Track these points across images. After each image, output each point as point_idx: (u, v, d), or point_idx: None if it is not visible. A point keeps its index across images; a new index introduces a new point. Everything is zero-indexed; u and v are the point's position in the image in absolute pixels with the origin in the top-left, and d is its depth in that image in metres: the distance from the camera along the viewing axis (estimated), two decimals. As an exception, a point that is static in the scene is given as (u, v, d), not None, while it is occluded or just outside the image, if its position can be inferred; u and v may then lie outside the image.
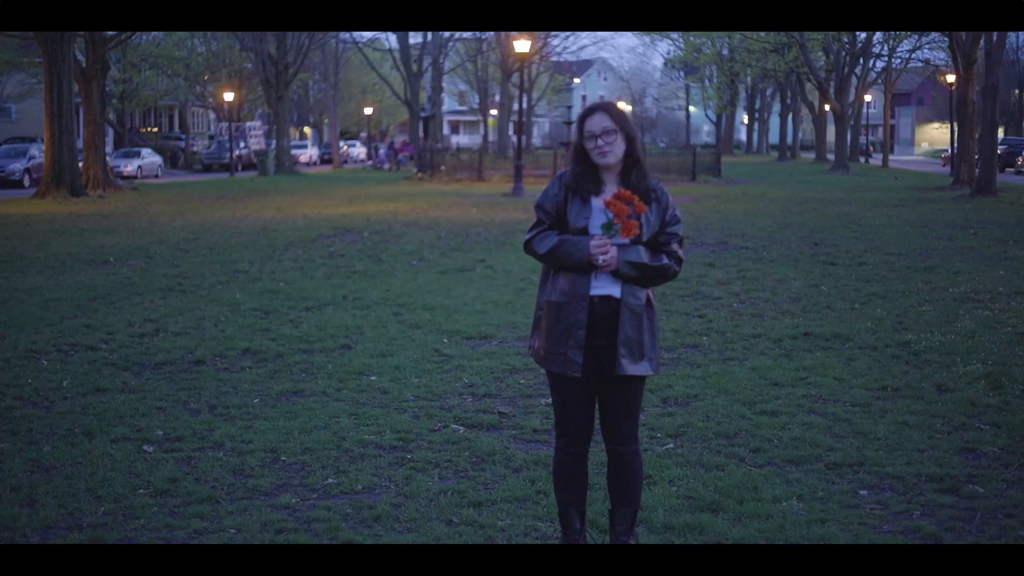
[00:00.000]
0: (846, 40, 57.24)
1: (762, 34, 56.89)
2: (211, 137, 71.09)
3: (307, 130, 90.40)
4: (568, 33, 71.21)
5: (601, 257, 4.58)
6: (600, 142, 4.66)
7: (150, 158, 51.98)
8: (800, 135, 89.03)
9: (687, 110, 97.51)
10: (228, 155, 56.37)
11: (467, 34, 70.93)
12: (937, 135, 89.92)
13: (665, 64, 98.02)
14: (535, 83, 77.68)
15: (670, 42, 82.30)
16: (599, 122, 4.66)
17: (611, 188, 4.71)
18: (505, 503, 5.85)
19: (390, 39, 72.58)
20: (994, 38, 32.56)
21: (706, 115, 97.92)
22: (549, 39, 68.72)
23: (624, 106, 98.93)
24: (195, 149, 66.37)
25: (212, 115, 74.55)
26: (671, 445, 6.88)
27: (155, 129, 70.44)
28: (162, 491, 6.05)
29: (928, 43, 56.60)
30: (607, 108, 4.70)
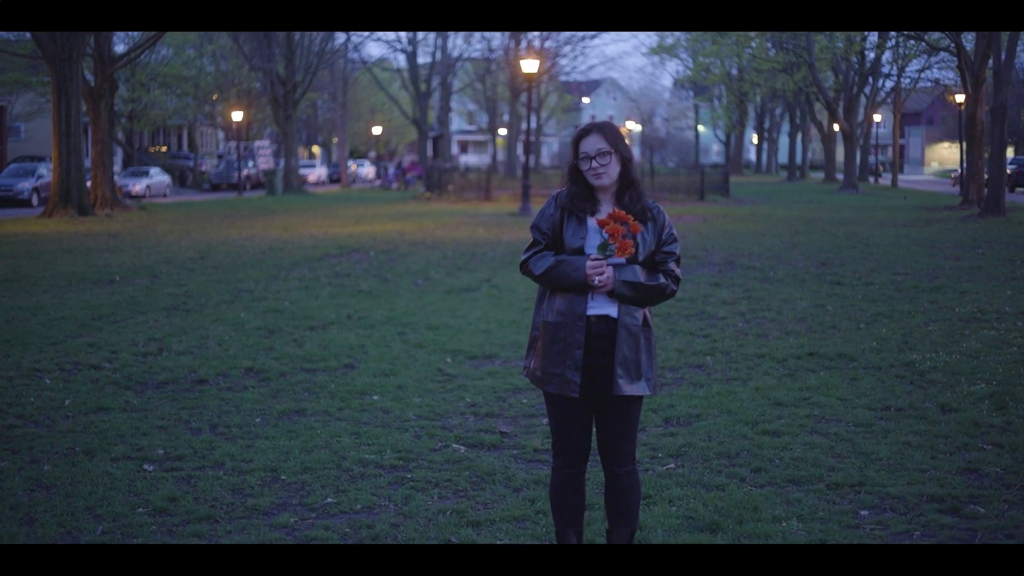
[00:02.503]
0: (855, 59, 57.24)
1: (771, 53, 56.94)
2: (220, 156, 71.24)
3: (316, 149, 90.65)
4: (577, 53, 71.37)
5: (597, 278, 4.57)
6: (595, 163, 4.66)
7: (158, 177, 52.08)
8: (809, 155, 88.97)
9: (696, 130, 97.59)
10: (236, 174, 56.50)
11: (476, 53, 71.18)
12: (947, 155, 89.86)
13: (674, 84, 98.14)
14: (544, 103, 77.81)
15: (679, 62, 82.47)
16: (593, 143, 4.66)
17: (607, 208, 4.71)
18: (504, 523, 5.83)
19: (399, 59, 72.89)
20: (1003, 57, 32.52)
21: (715, 135, 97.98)
22: (558, 58, 68.86)
23: (633, 126, 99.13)
24: (203, 168, 66.53)
25: (221, 134, 74.77)
26: (672, 465, 6.86)
27: (164, 148, 70.66)
28: (161, 510, 6.05)
29: (937, 62, 56.53)
30: (602, 129, 4.70)
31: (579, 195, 4.72)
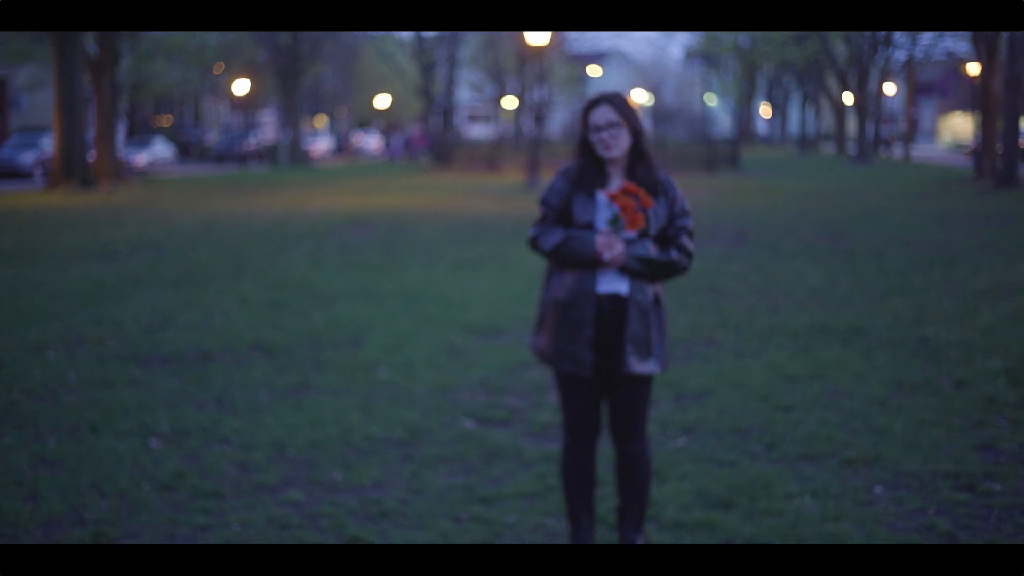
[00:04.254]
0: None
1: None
2: (224, 129, 70.97)
3: (321, 120, 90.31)
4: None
5: (608, 253, 4.47)
6: (604, 135, 4.54)
7: (162, 149, 51.83)
8: (821, 127, 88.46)
9: (706, 102, 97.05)
10: (241, 147, 56.30)
11: (483, 25, 70.69)
12: (960, 126, 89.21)
13: (684, 55, 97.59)
14: (551, 74, 77.34)
15: (689, 33, 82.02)
16: (603, 114, 4.55)
17: (617, 182, 4.59)
18: (513, 499, 5.77)
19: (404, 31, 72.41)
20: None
21: (725, 107, 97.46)
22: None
23: (642, 97, 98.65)
24: (208, 141, 66.26)
25: (226, 106, 74.45)
26: (683, 441, 6.77)
27: (168, 120, 70.35)
28: (167, 486, 5.98)
29: (951, 33, 56.08)
30: (612, 100, 4.58)
31: (588, 168, 4.61)
